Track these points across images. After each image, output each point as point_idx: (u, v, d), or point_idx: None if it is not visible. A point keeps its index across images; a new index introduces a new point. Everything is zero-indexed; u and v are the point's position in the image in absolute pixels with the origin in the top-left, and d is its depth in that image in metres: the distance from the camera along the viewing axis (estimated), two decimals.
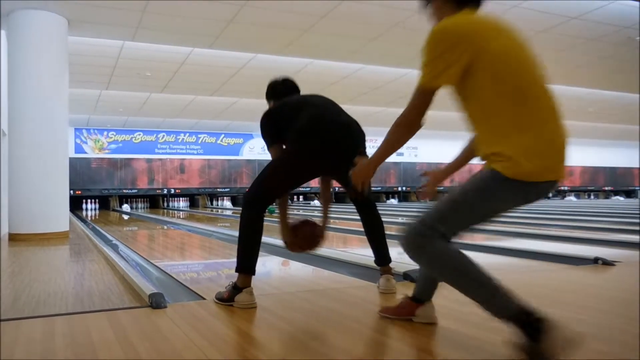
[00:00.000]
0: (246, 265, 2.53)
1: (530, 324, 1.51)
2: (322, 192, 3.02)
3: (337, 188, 18.30)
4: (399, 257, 4.49)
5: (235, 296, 2.49)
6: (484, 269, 1.64)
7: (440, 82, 1.59)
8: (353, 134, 2.72)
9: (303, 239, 2.75)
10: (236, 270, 2.54)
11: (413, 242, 1.65)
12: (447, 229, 1.65)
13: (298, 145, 2.58)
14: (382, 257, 2.85)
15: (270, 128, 2.71)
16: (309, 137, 2.56)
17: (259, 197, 2.55)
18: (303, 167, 2.59)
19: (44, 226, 6.20)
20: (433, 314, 2.18)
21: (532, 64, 1.72)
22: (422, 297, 2.19)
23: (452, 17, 1.65)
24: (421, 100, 1.67)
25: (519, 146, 1.58)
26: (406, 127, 1.78)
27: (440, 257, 1.64)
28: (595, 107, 14.00)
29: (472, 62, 1.55)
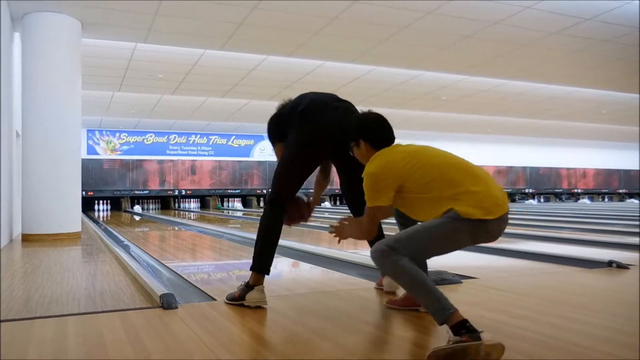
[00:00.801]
0: (261, 264, 2.56)
1: (465, 325, 1.77)
2: (318, 178, 3.01)
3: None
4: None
5: (247, 294, 2.51)
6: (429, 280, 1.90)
7: (383, 203, 2.10)
8: (348, 117, 2.67)
9: (289, 213, 2.75)
10: (251, 268, 2.57)
11: (380, 253, 1.97)
12: (411, 252, 1.96)
13: (296, 133, 2.66)
14: None
15: (275, 129, 2.82)
16: (305, 123, 2.63)
17: (275, 196, 2.64)
18: (304, 155, 2.65)
19: (56, 227, 6.25)
20: None
21: (437, 156, 2.18)
22: None
23: (376, 158, 2.16)
24: (374, 213, 2.16)
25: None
26: (367, 233, 2.26)
27: (398, 269, 1.92)
28: (609, 109, 13.88)
29: (400, 186, 2.08)
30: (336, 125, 2.60)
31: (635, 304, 2.64)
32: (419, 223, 2.20)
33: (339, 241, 2.35)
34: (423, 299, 1.90)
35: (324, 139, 2.63)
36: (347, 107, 2.73)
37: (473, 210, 1.93)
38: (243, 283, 2.59)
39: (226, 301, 2.60)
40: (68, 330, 2.15)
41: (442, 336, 2.02)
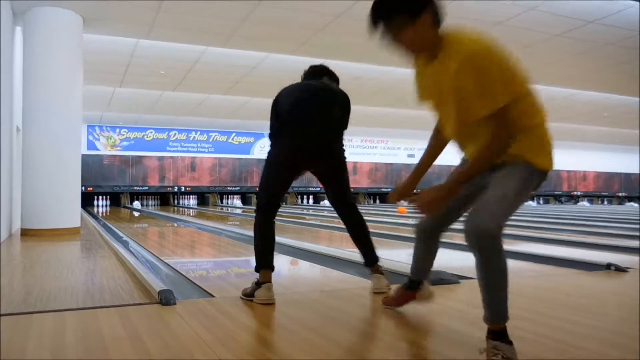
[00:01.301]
0: (262, 262, 2.61)
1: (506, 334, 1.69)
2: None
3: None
4: (409, 259, 4.48)
5: (255, 291, 2.54)
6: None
7: (510, 97, 1.64)
8: (327, 129, 2.76)
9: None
10: (255, 270, 2.62)
11: (491, 242, 1.67)
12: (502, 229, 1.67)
13: (275, 141, 2.76)
14: (370, 257, 2.83)
15: (272, 113, 2.86)
16: (284, 132, 2.71)
17: (262, 203, 2.72)
18: (284, 165, 2.71)
19: (55, 222, 6.25)
20: (431, 291, 2.35)
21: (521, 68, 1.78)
22: (419, 278, 2.31)
23: (474, 34, 1.66)
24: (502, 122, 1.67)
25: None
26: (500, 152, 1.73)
27: (500, 255, 1.69)
28: (610, 112, 13.88)
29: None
30: (319, 135, 2.70)
31: (633, 307, 2.65)
32: (494, 185, 1.75)
33: (423, 211, 1.94)
34: (497, 294, 1.70)
35: (308, 148, 2.69)
36: (329, 92, 2.81)
37: (550, 162, 1.67)
38: (256, 280, 2.63)
39: (241, 296, 2.64)
40: (66, 325, 2.16)
41: (441, 336, 2.03)
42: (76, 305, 2.53)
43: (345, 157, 2.87)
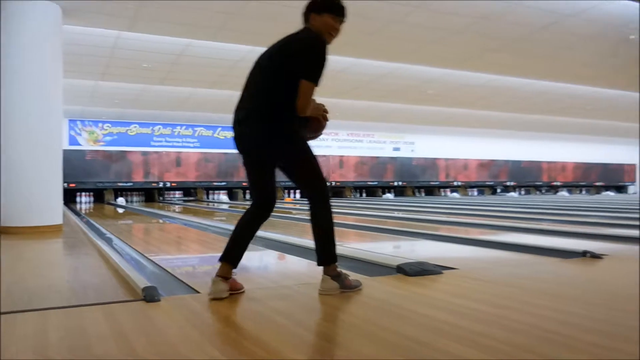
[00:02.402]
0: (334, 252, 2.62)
1: None
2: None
3: (334, 182, 18.36)
4: (393, 251, 4.52)
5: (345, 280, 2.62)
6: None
7: None
8: (247, 125, 2.55)
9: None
10: (334, 261, 2.62)
11: None
12: None
13: None
14: (319, 256, 2.63)
15: None
16: None
17: (263, 201, 2.66)
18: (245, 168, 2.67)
19: (37, 219, 6.17)
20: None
21: None
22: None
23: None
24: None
25: None
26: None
27: None
28: (592, 104, 14.07)
29: None
30: (236, 143, 2.60)
31: (608, 293, 2.70)
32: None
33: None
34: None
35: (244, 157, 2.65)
36: (251, 118, 2.53)
37: None
38: (340, 271, 2.64)
39: (343, 290, 2.62)
40: (50, 324, 2.14)
41: (424, 325, 2.05)
42: (59, 304, 2.51)
43: (290, 145, 2.54)
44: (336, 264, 2.63)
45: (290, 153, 2.56)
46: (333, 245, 2.61)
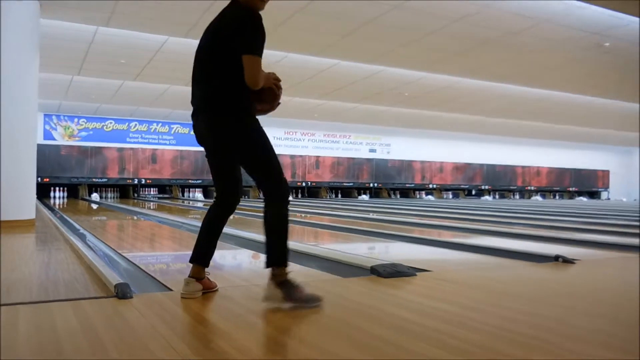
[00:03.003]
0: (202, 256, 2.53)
1: None
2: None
3: (310, 183, 18.39)
4: (367, 252, 4.56)
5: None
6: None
7: None
8: (197, 115, 2.54)
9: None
10: (286, 264, 2.39)
11: None
12: None
13: None
14: (267, 257, 2.42)
15: None
16: None
17: (220, 196, 2.57)
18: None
19: (8, 214, 6.06)
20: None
21: None
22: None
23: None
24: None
25: None
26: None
27: None
28: (562, 109, 14.34)
29: None
30: (196, 134, 2.57)
31: (580, 297, 2.78)
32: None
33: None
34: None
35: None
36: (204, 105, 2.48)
37: None
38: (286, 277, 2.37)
39: (308, 307, 2.33)
40: (19, 319, 2.12)
41: (396, 327, 2.08)
42: (29, 299, 2.48)
43: (242, 133, 2.38)
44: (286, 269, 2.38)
45: (242, 141, 2.39)
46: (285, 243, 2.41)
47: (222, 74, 2.38)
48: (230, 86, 2.37)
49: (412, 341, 1.89)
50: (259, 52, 2.34)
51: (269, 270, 2.38)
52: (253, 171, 2.47)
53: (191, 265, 2.54)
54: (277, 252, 2.38)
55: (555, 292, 2.90)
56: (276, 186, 2.43)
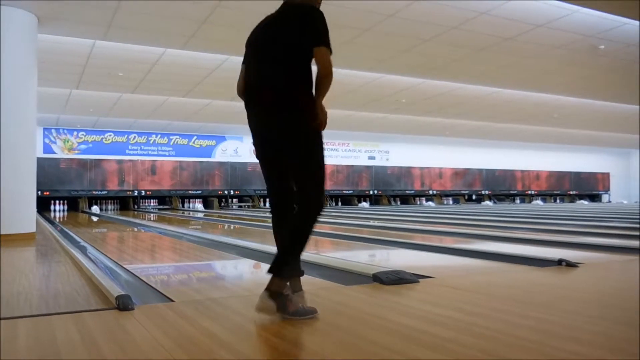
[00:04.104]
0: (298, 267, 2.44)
1: None
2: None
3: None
4: (369, 260, 4.54)
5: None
6: None
7: None
8: (266, 108, 2.35)
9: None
10: (292, 275, 2.38)
11: None
12: None
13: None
14: (272, 263, 2.33)
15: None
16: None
17: (271, 202, 2.54)
18: (260, 159, 2.47)
19: (9, 227, 6.05)
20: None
21: None
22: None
23: None
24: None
25: None
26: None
27: None
28: (560, 113, 14.36)
29: None
30: (256, 134, 2.42)
31: (584, 301, 2.76)
32: None
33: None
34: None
35: (255, 140, 2.44)
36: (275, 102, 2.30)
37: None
38: (292, 291, 2.34)
39: (297, 318, 2.26)
40: (19, 332, 2.10)
41: (399, 334, 2.07)
42: (29, 312, 2.47)
43: (297, 132, 2.31)
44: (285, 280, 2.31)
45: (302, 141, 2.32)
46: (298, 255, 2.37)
47: (297, 71, 2.31)
48: (303, 85, 2.32)
49: (416, 349, 1.87)
50: (329, 45, 2.29)
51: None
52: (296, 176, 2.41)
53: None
54: (277, 260, 2.31)
55: (559, 296, 2.88)
56: (305, 192, 2.36)
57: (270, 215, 2.56)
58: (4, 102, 6.07)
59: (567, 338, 2.00)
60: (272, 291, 2.23)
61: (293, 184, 2.37)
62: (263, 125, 2.37)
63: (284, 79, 2.29)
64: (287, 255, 2.32)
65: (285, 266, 2.30)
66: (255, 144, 2.44)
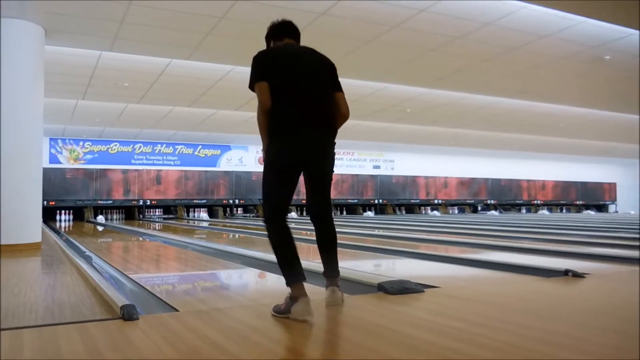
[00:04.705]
0: (291, 274, 2.53)
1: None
2: None
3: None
4: (374, 269, 4.53)
5: (292, 307, 2.45)
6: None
7: None
8: (322, 130, 2.69)
9: None
10: (287, 285, 2.53)
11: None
12: None
13: (269, 155, 2.63)
14: (332, 269, 2.79)
15: (258, 68, 2.69)
16: (277, 144, 2.60)
17: (268, 216, 2.63)
18: (284, 175, 2.61)
19: (15, 237, 6.07)
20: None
21: None
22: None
23: None
24: None
25: None
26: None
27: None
28: (566, 123, 14.33)
29: None
30: (313, 143, 2.62)
31: (591, 312, 2.74)
32: None
33: None
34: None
35: (298, 158, 2.62)
36: (328, 114, 2.73)
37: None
38: (288, 295, 2.52)
39: (273, 314, 2.54)
40: (24, 343, 2.10)
41: (404, 344, 2.06)
42: (34, 323, 2.47)
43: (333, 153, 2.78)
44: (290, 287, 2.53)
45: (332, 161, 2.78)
46: (282, 269, 2.58)
47: (331, 103, 2.79)
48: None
49: (418, 358, 1.86)
50: None
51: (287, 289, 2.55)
52: (328, 190, 2.79)
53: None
54: (337, 264, 2.80)
55: (565, 307, 2.86)
56: (330, 203, 2.84)
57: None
58: (11, 112, 6.12)
59: (574, 349, 1.98)
60: (338, 285, 2.77)
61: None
62: (318, 141, 2.66)
63: (330, 108, 2.76)
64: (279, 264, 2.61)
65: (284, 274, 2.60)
66: (293, 154, 2.61)
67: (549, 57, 8.08)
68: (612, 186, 24.52)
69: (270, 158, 2.62)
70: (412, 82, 9.89)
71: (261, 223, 12.33)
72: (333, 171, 2.78)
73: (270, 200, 2.63)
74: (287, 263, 2.55)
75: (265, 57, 2.70)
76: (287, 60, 2.70)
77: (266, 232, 2.62)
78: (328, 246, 2.80)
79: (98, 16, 6.22)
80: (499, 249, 5.98)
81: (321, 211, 2.81)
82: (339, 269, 2.82)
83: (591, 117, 13.53)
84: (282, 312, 2.49)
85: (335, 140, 2.77)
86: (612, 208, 24.55)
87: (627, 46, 7.53)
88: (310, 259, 4.45)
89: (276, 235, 2.58)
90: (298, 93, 2.64)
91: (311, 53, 2.81)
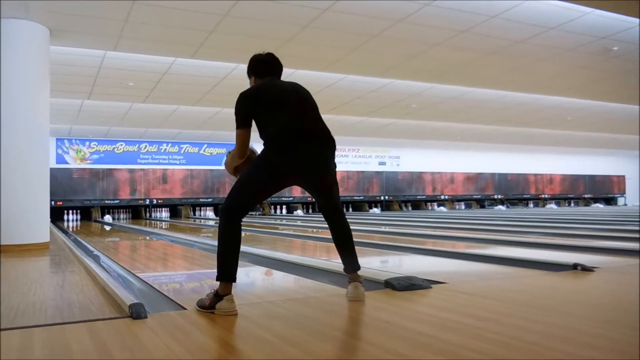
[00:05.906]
0: (226, 273, 2.57)
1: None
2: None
3: (307, 198, 18.34)
4: (381, 266, 4.52)
5: (217, 304, 2.51)
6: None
7: None
8: (324, 145, 2.78)
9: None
10: (217, 279, 2.57)
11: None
12: None
13: (267, 158, 2.66)
14: (351, 264, 2.87)
15: (244, 110, 2.73)
16: (278, 151, 2.64)
17: (233, 208, 2.63)
18: (272, 181, 2.69)
19: (23, 237, 6.11)
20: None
21: None
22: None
23: None
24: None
25: None
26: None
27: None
28: (573, 115, 14.25)
29: None
30: (314, 156, 2.69)
31: (600, 306, 2.72)
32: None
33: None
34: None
35: (298, 167, 2.69)
36: (326, 131, 2.81)
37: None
38: (213, 291, 2.59)
39: (197, 308, 2.61)
40: (34, 342, 2.12)
41: (411, 340, 2.05)
42: (44, 321, 2.49)
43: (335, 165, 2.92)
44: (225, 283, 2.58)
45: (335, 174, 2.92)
46: (219, 262, 2.61)
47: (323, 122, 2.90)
48: None
49: (428, 355, 1.86)
50: None
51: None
52: (336, 194, 2.93)
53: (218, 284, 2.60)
54: (356, 259, 2.89)
55: (574, 301, 2.85)
56: (340, 201, 3.00)
57: (237, 222, 2.68)
58: (17, 113, 6.15)
59: (583, 344, 1.97)
60: (359, 280, 2.85)
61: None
62: (319, 156, 2.74)
63: (325, 125, 2.85)
64: (219, 260, 2.65)
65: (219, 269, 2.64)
66: (294, 167, 2.68)
67: (555, 49, 8.03)
68: (620, 179, 24.34)
69: (268, 163, 2.65)
70: (417, 77, 9.85)
71: (268, 221, 12.31)
72: (337, 182, 2.91)
73: (244, 196, 2.66)
74: (229, 261, 2.59)
75: (252, 94, 2.77)
76: (274, 89, 2.81)
77: (221, 221, 2.64)
78: (344, 242, 2.90)
79: (102, 15, 6.24)
80: (507, 244, 5.95)
81: (333, 209, 2.92)
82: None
83: (599, 110, 13.44)
84: (206, 308, 2.56)
85: (337, 144, 2.87)
86: (621, 201, 24.37)
87: (636, 37, 7.46)
88: (317, 257, 4.46)
89: (231, 232, 2.62)
90: (293, 113, 2.72)
91: (294, 85, 2.91)
